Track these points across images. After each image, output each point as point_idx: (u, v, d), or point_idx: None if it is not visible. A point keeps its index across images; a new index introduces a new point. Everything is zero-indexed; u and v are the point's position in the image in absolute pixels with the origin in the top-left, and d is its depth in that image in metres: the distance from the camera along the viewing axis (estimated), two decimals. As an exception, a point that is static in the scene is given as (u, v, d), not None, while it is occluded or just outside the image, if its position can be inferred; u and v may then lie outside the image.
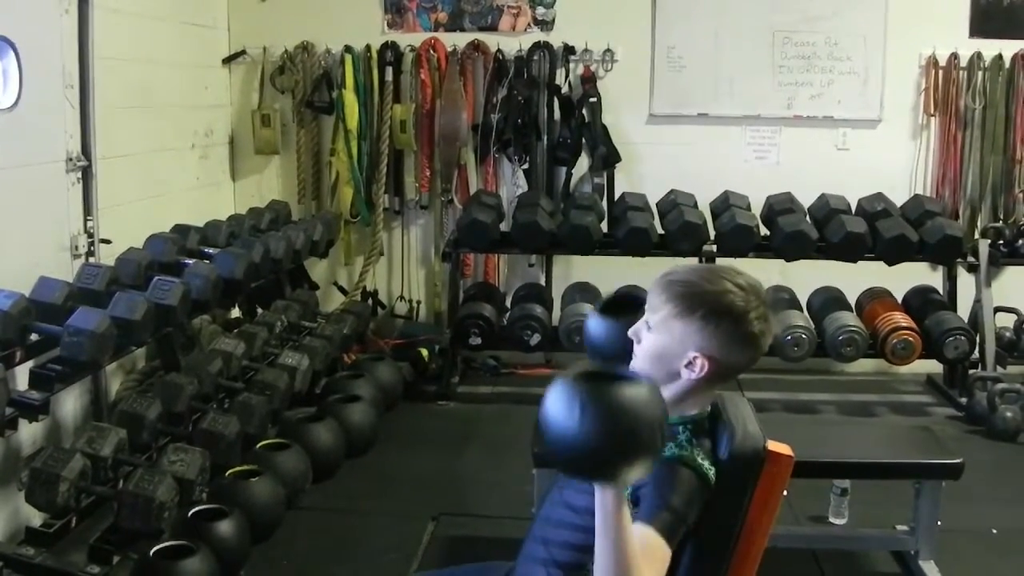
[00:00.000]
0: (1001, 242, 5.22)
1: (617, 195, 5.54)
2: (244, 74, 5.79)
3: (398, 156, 5.78)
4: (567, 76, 5.64)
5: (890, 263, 5.04)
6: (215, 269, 4.02)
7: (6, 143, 3.56)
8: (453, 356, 5.31)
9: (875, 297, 5.26)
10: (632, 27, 5.59)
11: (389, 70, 5.63)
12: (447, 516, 3.78)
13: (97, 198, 4.09)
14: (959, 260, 5.16)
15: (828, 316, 5.06)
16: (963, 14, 5.47)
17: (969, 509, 3.69)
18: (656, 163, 5.64)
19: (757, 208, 5.30)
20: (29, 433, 3.41)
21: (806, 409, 5.16)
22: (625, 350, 1.86)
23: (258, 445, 3.80)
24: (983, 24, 5.47)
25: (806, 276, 5.30)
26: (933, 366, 5.32)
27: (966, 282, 5.26)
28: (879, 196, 5.26)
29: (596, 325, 2.01)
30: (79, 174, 4.01)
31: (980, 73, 5.44)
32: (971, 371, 5.08)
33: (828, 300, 5.23)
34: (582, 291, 5.28)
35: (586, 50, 5.60)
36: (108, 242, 4.14)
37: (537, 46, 5.58)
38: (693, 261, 4.71)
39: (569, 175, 5.69)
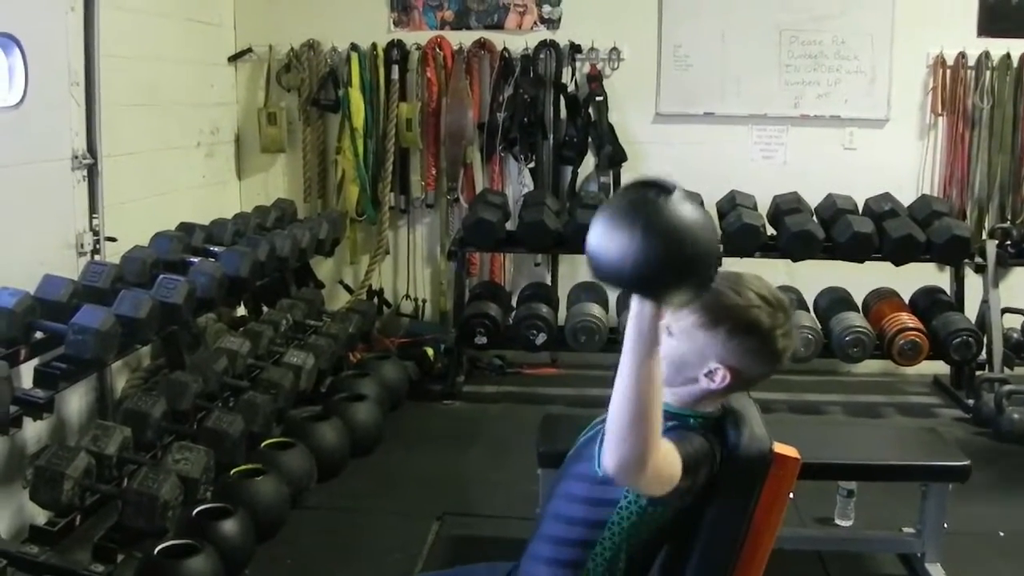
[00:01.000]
0: (1009, 243, 5.19)
1: (623, 194, 5.52)
2: (250, 72, 5.79)
3: (404, 155, 5.78)
4: (573, 75, 5.63)
5: (897, 263, 5.03)
6: (220, 267, 4.01)
7: (12, 141, 3.56)
8: (459, 355, 5.31)
9: (882, 297, 5.24)
10: (639, 26, 5.58)
11: (395, 68, 5.63)
12: (452, 516, 3.77)
13: (102, 196, 4.09)
14: (966, 261, 5.14)
15: (835, 316, 5.04)
16: (971, 13, 5.45)
17: (976, 511, 3.67)
18: (662, 162, 5.60)
19: (764, 208, 5.30)
20: (34, 431, 3.41)
21: (812, 410, 5.15)
22: None
23: (263, 444, 3.80)
24: (991, 23, 5.45)
25: (813, 276, 5.29)
26: (940, 367, 5.30)
27: (973, 283, 5.24)
28: (886, 196, 5.25)
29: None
30: (84, 172, 4.01)
31: (988, 72, 5.42)
32: (978, 372, 5.05)
33: (835, 300, 5.22)
34: (588, 290, 5.27)
35: (592, 49, 5.59)
36: (113, 240, 4.13)
37: (543, 45, 5.58)
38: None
39: (575, 174, 5.68)
